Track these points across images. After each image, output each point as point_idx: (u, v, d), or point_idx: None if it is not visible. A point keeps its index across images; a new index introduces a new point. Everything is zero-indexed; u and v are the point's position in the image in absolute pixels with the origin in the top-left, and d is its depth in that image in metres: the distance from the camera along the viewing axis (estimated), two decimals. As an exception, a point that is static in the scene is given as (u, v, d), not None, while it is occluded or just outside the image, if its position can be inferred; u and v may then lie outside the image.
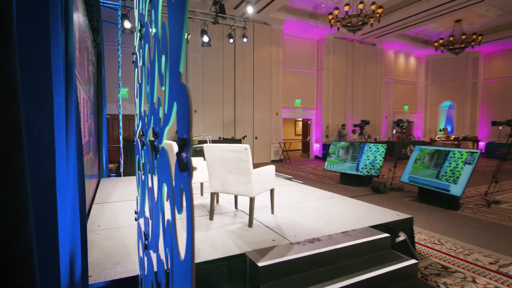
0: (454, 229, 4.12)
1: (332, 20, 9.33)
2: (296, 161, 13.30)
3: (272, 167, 3.17)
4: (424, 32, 14.45)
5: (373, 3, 8.71)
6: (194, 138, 6.99)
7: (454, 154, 5.34)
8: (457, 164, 5.16)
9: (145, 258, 1.43)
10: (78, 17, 3.17)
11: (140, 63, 1.71)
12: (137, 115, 1.93)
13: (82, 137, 2.58)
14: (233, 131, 11.93)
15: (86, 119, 3.92)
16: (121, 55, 7.07)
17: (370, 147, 7.10)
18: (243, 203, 3.57)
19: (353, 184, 7.30)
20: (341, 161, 7.63)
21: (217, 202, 3.66)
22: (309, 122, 14.53)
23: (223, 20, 10.31)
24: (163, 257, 0.89)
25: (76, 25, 2.86)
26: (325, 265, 2.30)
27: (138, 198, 2.06)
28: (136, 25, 1.71)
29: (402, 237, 2.95)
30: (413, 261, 2.45)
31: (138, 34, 1.65)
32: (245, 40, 10.50)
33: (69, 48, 1.44)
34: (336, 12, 9.10)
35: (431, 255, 3.27)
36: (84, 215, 1.62)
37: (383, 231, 2.76)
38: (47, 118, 0.98)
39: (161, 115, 0.79)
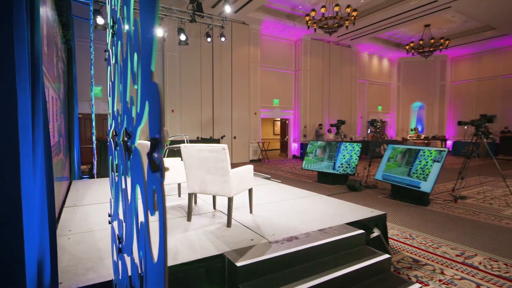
0: (424, 224, 4.32)
1: (309, 22, 9.48)
2: (275, 160, 13.41)
3: (250, 167, 3.17)
4: (396, 36, 15.04)
5: (348, 6, 8.94)
6: (170, 138, 6.86)
7: (424, 152, 5.60)
8: (427, 162, 5.42)
9: (119, 262, 1.39)
10: (46, 11, 3.01)
11: (112, 61, 1.65)
12: (110, 115, 1.87)
13: (50, 137, 2.46)
14: (211, 131, 11.83)
15: (56, 119, 3.74)
16: (93, 52, 6.80)
17: (346, 146, 7.29)
18: (222, 203, 3.55)
19: (330, 182, 7.47)
20: (318, 160, 7.78)
21: (195, 202, 3.61)
22: (287, 122, 14.69)
23: (201, 18, 10.20)
24: (137, 260, 0.86)
25: (44, 20, 2.72)
26: (303, 262, 2.34)
27: (112, 200, 1.99)
28: (109, 21, 1.66)
29: (376, 233, 3.06)
30: (387, 256, 2.54)
31: (111, 30, 1.60)
32: (223, 39, 10.44)
33: (35, 43, 1.37)
34: (312, 13, 9.26)
35: (403, 250, 3.41)
36: (53, 219, 1.55)
37: (358, 227, 2.84)
38: (10, 117, 0.93)
39: (134, 114, 0.77)
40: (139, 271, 0.82)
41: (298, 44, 13.98)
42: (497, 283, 2.63)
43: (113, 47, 1.54)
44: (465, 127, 6.27)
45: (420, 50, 12.85)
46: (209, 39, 10.48)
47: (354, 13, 8.97)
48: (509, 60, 15.00)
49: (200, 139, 11.03)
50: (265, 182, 5.15)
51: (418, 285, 2.32)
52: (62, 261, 2.03)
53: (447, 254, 3.27)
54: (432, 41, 12.44)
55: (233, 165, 2.85)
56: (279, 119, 16.19)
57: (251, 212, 3.24)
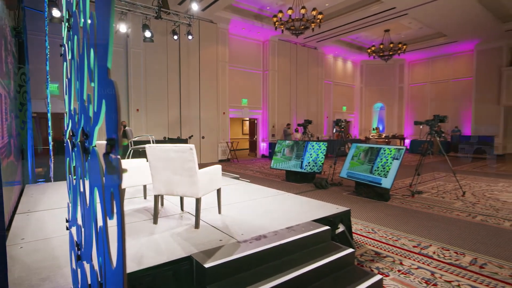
0: (385, 218, 4.57)
1: (277, 23, 9.62)
2: (244, 160, 13.43)
3: (218, 167, 3.15)
4: (358, 39, 15.74)
5: (314, 9, 9.19)
6: (135, 139, 6.59)
7: (385, 150, 5.92)
8: (387, 160, 5.73)
9: (78, 270, 1.31)
10: (-8, 1, 2.76)
11: (69, 56, 1.55)
12: (66, 114, 1.75)
13: (-1, 138, 2.26)
14: (179, 131, 11.56)
15: (5, 118, 3.44)
16: (49, 47, 6.34)
17: (312, 145, 7.49)
18: (189, 204, 3.49)
19: (297, 181, 7.63)
20: (286, 159, 7.91)
21: (162, 204, 3.51)
22: (255, 122, 14.78)
23: (167, 15, 9.92)
24: (96, 267, 0.82)
25: (-10, 10, 2.49)
26: (272, 260, 2.37)
27: (70, 204, 1.88)
28: (64, 14, 1.55)
29: (341, 228, 3.18)
30: (351, 250, 2.65)
31: (66, 24, 1.50)
32: (190, 37, 10.24)
33: (-22, 35, 1.25)
34: (280, 15, 9.40)
35: (366, 243, 3.58)
36: (2, 228, 1.42)
37: (324, 224, 2.93)
38: None
39: (91, 113, 0.73)
40: (99, 278, 0.78)
41: (266, 45, 14.12)
42: (449, 270, 2.86)
43: (69, 42, 1.44)
44: (421, 127, 6.72)
45: (381, 54, 13.57)
46: (175, 37, 10.23)
47: (320, 16, 9.24)
48: (458, 65, 16.34)
49: (167, 139, 10.73)
50: (234, 182, 5.14)
51: (380, 276, 2.45)
52: (14, 272, 1.88)
53: (405, 245, 3.49)
54: (391, 45, 13.18)
55: (202, 166, 2.81)
56: (247, 118, 16.24)
57: (219, 212, 3.22)
